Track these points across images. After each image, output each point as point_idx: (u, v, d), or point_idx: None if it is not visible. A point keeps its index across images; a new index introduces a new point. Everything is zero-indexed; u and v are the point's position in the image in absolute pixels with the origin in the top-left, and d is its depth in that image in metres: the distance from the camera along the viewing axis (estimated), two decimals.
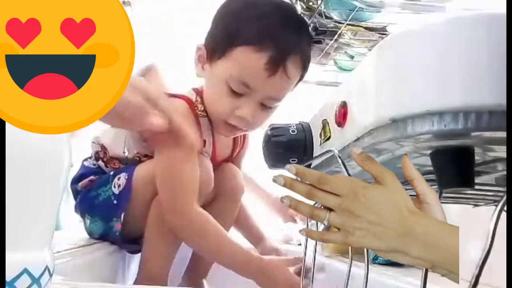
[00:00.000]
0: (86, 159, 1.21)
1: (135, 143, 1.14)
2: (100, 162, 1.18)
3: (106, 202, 1.13)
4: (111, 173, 1.14)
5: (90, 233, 1.16)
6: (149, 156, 1.13)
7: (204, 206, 1.20)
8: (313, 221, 0.81)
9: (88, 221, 1.17)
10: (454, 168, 0.35)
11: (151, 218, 1.08)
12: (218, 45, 1.00)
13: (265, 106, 1.03)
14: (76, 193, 1.21)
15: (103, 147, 1.18)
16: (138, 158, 1.15)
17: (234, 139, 1.24)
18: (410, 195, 0.43)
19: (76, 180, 1.20)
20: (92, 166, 1.19)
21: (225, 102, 1.01)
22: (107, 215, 1.13)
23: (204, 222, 1.03)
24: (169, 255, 1.10)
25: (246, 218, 1.37)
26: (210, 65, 1.02)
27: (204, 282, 1.27)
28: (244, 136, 1.27)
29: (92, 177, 1.17)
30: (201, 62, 1.04)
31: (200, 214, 1.03)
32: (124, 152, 1.15)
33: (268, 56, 0.95)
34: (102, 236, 1.15)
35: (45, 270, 0.38)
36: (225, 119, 1.04)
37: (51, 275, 0.39)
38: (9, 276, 0.35)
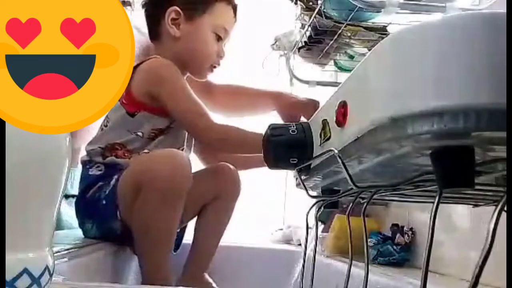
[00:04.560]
0: (88, 169, 1.21)
1: (147, 122, 1.20)
2: (112, 158, 1.19)
3: (98, 204, 1.14)
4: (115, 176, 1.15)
5: (94, 238, 1.16)
6: (164, 131, 1.21)
7: (203, 207, 1.24)
8: (312, 222, 0.81)
9: (89, 226, 1.18)
10: (454, 168, 0.35)
11: (136, 224, 1.08)
12: (198, 4, 1.27)
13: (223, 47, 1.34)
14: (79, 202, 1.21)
15: (108, 147, 1.20)
16: (154, 134, 1.21)
17: None
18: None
19: (83, 193, 1.20)
20: (98, 172, 1.19)
21: (214, 48, 1.29)
22: (102, 216, 1.14)
23: (227, 127, 1.20)
24: (164, 255, 1.10)
25: (247, 92, 1.45)
26: (191, 22, 1.27)
27: (206, 275, 1.27)
28: None
29: (100, 183, 1.17)
30: (175, 24, 1.26)
31: (219, 123, 1.20)
32: (138, 134, 1.19)
33: (233, 6, 1.31)
34: (105, 239, 1.15)
35: (45, 270, 0.38)
36: (213, 61, 1.31)
37: (51, 275, 0.39)
38: (9, 276, 0.35)
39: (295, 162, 0.58)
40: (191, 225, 1.33)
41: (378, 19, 1.13)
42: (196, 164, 1.43)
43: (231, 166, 1.27)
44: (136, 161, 1.15)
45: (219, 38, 1.30)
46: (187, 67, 1.28)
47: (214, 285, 1.28)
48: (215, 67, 1.32)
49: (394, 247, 1.18)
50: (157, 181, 1.03)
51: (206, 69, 1.32)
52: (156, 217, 1.05)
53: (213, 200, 1.25)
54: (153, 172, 1.05)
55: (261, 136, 0.91)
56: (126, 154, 1.19)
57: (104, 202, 1.14)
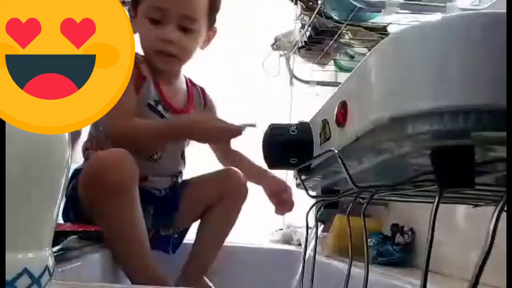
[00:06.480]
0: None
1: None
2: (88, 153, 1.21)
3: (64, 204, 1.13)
4: None
5: None
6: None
7: (207, 209, 1.23)
8: (312, 222, 0.81)
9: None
10: (454, 168, 0.35)
11: (98, 225, 1.05)
12: None
13: (186, 29, 1.18)
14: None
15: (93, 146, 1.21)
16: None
17: (188, 89, 1.32)
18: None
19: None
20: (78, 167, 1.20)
21: (151, 33, 1.17)
22: (65, 218, 1.14)
23: (136, 125, 1.14)
24: (141, 255, 1.06)
25: (243, 159, 1.39)
26: (136, 13, 1.19)
27: (205, 278, 1.27)
28: (203, 91, 1.36)
29: (74, 180, 1.17)
30: (132, 17, 1.20)
31: (131, 121, 1.12)
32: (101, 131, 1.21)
33: None
34: None
35: (45, 270, 0.38)
36: (154, 47, 1.18)
37: (51, 275, 0.39)
38: (9, 276, 0.35)
39: (295, 162, 0.58)
40: (193, 227, 1.32)
41: (378, 19, 1.13)
42: (197, 165, 1.43)
43: (238, 170, 1.27)
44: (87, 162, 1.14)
45: (157, 22, 1.17)
46: (149, 62, 1.23)
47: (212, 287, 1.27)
48: (166, 54, 1.19)
49: (394, 247, 1.18)
50: (99, 177, 1.00)
51: (154, 58, 1.20)
52: (109, 214, 1.02)
53: (218, 202, 1.25)
54: (96, 169, 1.02)
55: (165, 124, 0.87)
56: None
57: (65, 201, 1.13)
